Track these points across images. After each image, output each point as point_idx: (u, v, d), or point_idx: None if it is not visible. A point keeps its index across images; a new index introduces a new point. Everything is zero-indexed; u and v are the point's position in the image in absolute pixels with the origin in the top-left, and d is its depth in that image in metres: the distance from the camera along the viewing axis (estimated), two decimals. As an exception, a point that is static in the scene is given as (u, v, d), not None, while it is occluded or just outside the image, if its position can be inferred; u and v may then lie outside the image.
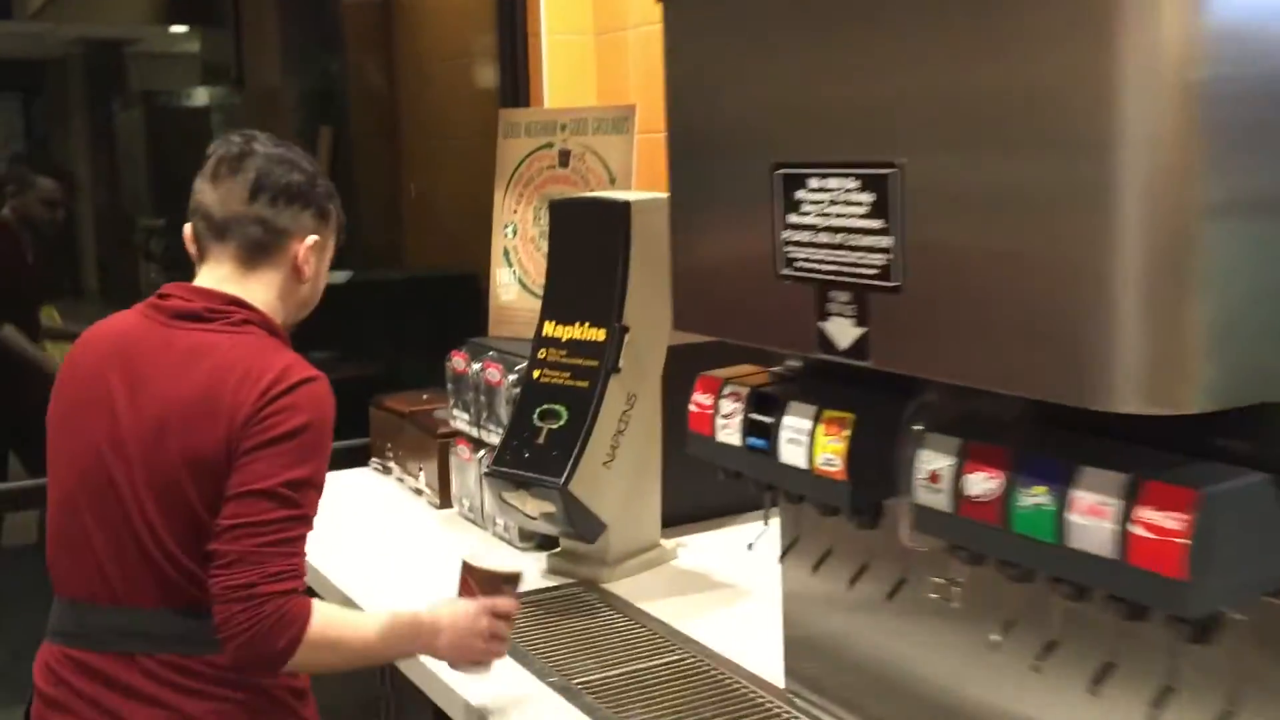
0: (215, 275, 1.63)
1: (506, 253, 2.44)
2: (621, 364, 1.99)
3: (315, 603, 1.49)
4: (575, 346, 2.03)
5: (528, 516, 2.02)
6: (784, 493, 1.44)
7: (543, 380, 2.05)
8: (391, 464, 2.75)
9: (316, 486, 1.52)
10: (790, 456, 1.32)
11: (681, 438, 2.10)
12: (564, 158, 2.35)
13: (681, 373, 2.12)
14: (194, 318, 1.58)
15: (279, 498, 1.48)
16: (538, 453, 2.00)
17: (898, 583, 1.35)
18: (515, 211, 2.42)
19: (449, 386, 2.40)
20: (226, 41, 4.56)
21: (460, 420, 2.37)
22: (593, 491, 1.98)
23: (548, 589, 2.05)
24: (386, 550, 2.30)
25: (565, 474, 1.94)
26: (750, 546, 1.64)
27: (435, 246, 4.00)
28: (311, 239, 1.65)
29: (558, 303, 2.08)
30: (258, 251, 1.61)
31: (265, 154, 1.63)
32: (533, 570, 2.14)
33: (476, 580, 1.63)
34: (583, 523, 1.98)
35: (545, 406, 2.03)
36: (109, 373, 1.58)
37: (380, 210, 4.19)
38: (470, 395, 2.34)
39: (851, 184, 1.15)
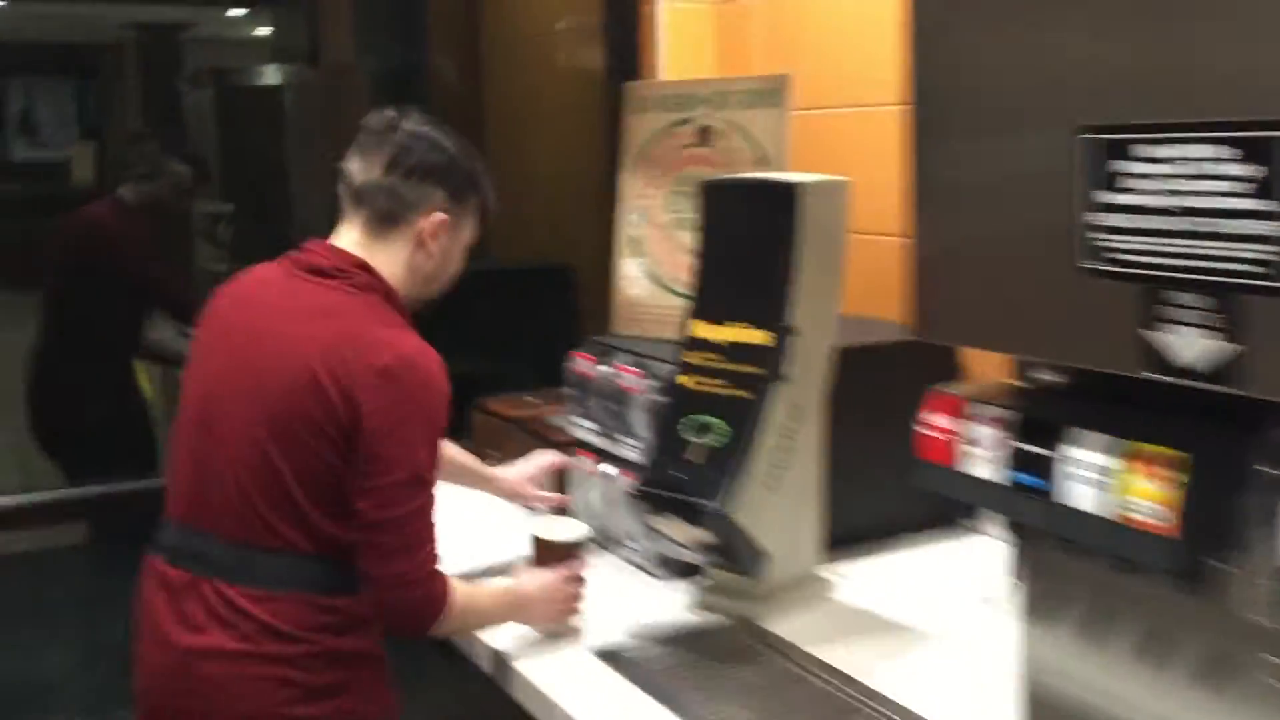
0: (348, 238, 1.70)
1: (634, 242, 2.18)
2: (789, 372, 1.73)
3: (451, 582, 1.62)
4: (733, 350, 1.77)
5: (678, 544, 1.77)
6: (1018, 531, 1.18)
7: (694, 388, 1.80)
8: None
9: (434, 463, 1.61)
10: (1079, 499, 1.06)
11: (848, 456, 1.84)
12: (704, 135, 2.08)
13: (849, 381, 1.89)
14: (320, 273, 1.66)
15: (417, 483, 1.59)
16: (691, 472, 1.74)
17: (1213, 659, 1.08)
18: (644, 196, 2.16)
19: (569, 390, 2.14)
20: (298, 18, 4.35)
21: (583, 428, 2.12)
22: (755, 517, 1.72)
23: (697, 628, 1.80)
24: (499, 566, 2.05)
25: (726, 497, 1.69)
26: (984, 600, 1.37)
27: (523, 237, 3.75)
28: (439, 216, 1.69)
29: (710, 300, 1.82)
30: (386, 221, 1.68)
31: (409, 130, 1.69)
32: (672, 603, 1.89)
33: (549, 552, 1.77)
34: (744, 553, 1.72)
35: (699, 418, 1.77)
36: (236, 316, 1.70)
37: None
38: (596, 401, 2.09)
39: (1215, 152, 0.88)
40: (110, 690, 2.35)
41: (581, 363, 2.11)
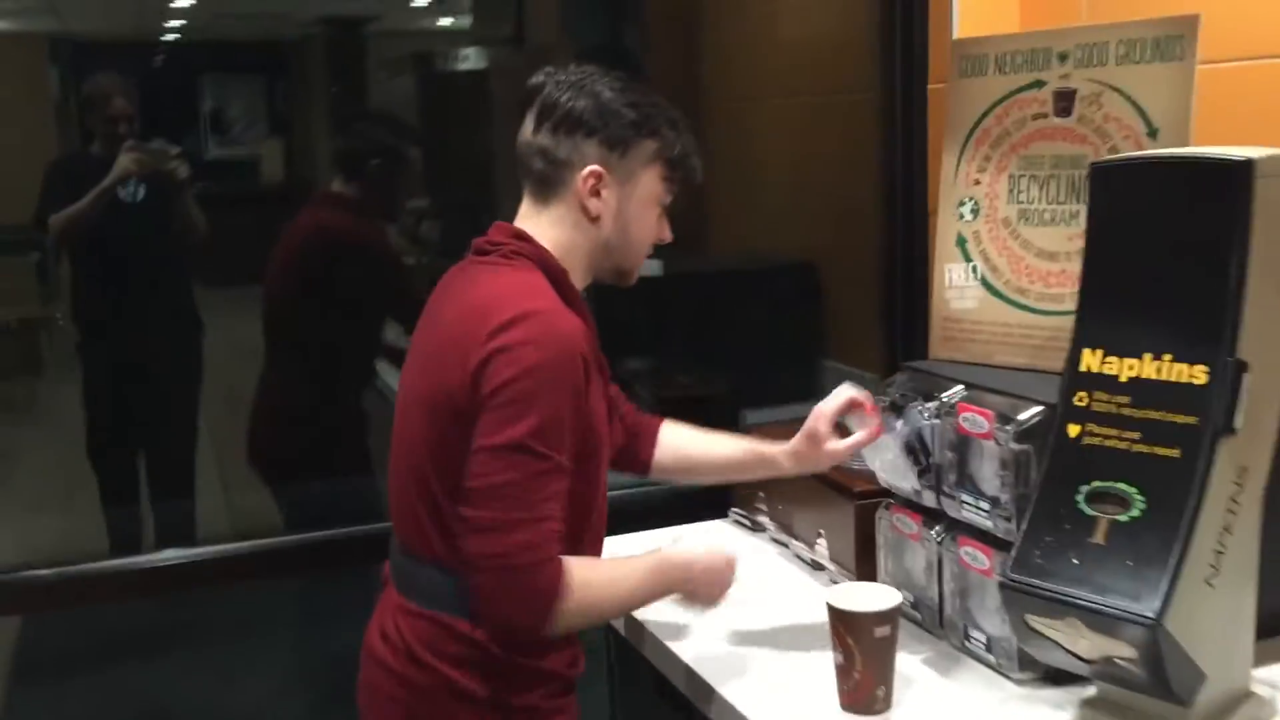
0: (521, 210, 1.56)
1: (962, 241, 1.71)
2: (1238, 421, 1.25)
3: (568, 567, 1.41)
4: (1149, 391, 1.29)
5: (1069, 655, 1.31)
6: None
7: (1089, 443, 1.33)
8: (765, 519, 2.09)
9: (555, 432, 1.39)
10: None
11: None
12: (1064, 100, 1.60)
13: None
14: (481, 252, 1.54)
15: (519, 450, 1.38)
16: (1095, 559, 1.28)
17: None
18: (978, 182, 1.69)
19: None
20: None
21: (900, 479, 1.67)
22: (1191, 625, 1.25)
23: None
24: (775, 645, 1.64)
25: (1161, 602, 1.22)
26: None
27: (756, 230, 3.33)
28: (592, 168, 1.49)
29: (1107, 322, 1.34)
30: (543, 185, 1.52)
31: (558, 80, 1.51)
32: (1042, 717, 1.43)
33: (846, 625, 1.44)
34: (1178, 674, 1.25)
35: (1101, 485, 1.30)
36: (422, 319, 1.59)
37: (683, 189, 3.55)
38: (919, 446, 1.64)
39: None
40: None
41: (897, 396, 1.66)
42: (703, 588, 1.56)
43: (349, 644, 1.64)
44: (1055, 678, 1.50)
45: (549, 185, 1.52)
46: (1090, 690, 1.43)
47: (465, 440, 1.41)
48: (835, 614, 1.45)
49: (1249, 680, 1.39)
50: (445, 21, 4.61)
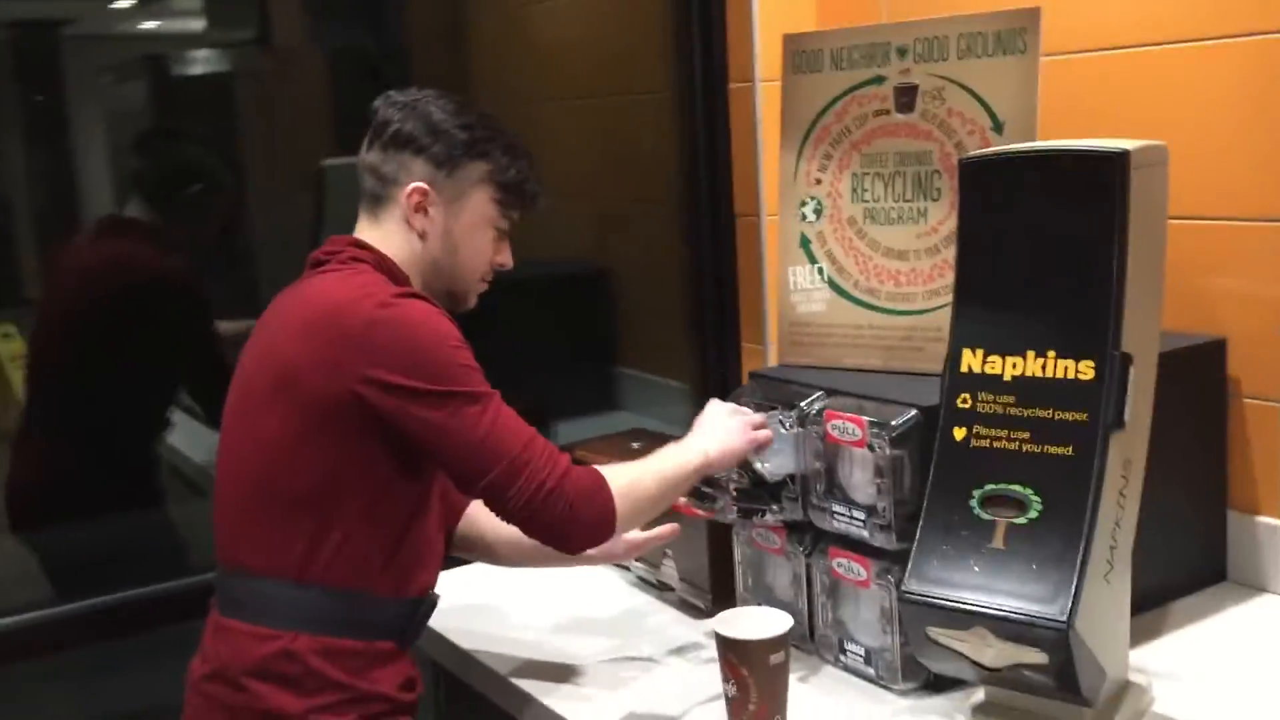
0: (357, 227, 1.54)
1: (806, 242, 1.66)
2: (1128, 415, 1.24)
3: (597, 468, 1.44)
4: (1035, 389, 1.27)
5: (978, 666, 1.27)
6: None
7: (977, 445, 1.30)
8: (598, 543, 1.98)
9: (472, 372, 1.40)
10: None
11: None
12: (906, 97, 1.57)
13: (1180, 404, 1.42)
14: (316, 263, 1.51)
15: (471, 400, 1.38)
16: (997, 565, 1.24)
17: None
18: (819, 181, 1.64)
19: (735, 443, 1.63)
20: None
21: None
22: (1093, 624, 1.23)
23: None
24: (633, 680, 1.54)
25: (1071, 604, 1.19)
26: None
27: (543, 236, 3.20)
28: (415, 186, 1.49)
29: (985, 320, 1.31)
30: (374, 202, 1.53)
31: (392, 101, 1.53)
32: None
33: (739, 655, 1.36)
34: (1086, 675, 1.23)
35: (995, 488, 1.27)
36: (253, 335, 1.53)
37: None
38: (781, 457, 1.58)
39: None
40: None
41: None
42: (734, 438, 1.52)
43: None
44: (937, 685, 1.47)
45: (378, 202, 1.52)
46: (978, 694, 1.40)
47: (354, 442, 1.39)
48: (726, 644, 1.36)
49: (1127, 670, 1.40)
50: (151, 24, 4.23)
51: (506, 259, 1.57)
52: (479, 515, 1.65)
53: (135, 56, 3.68)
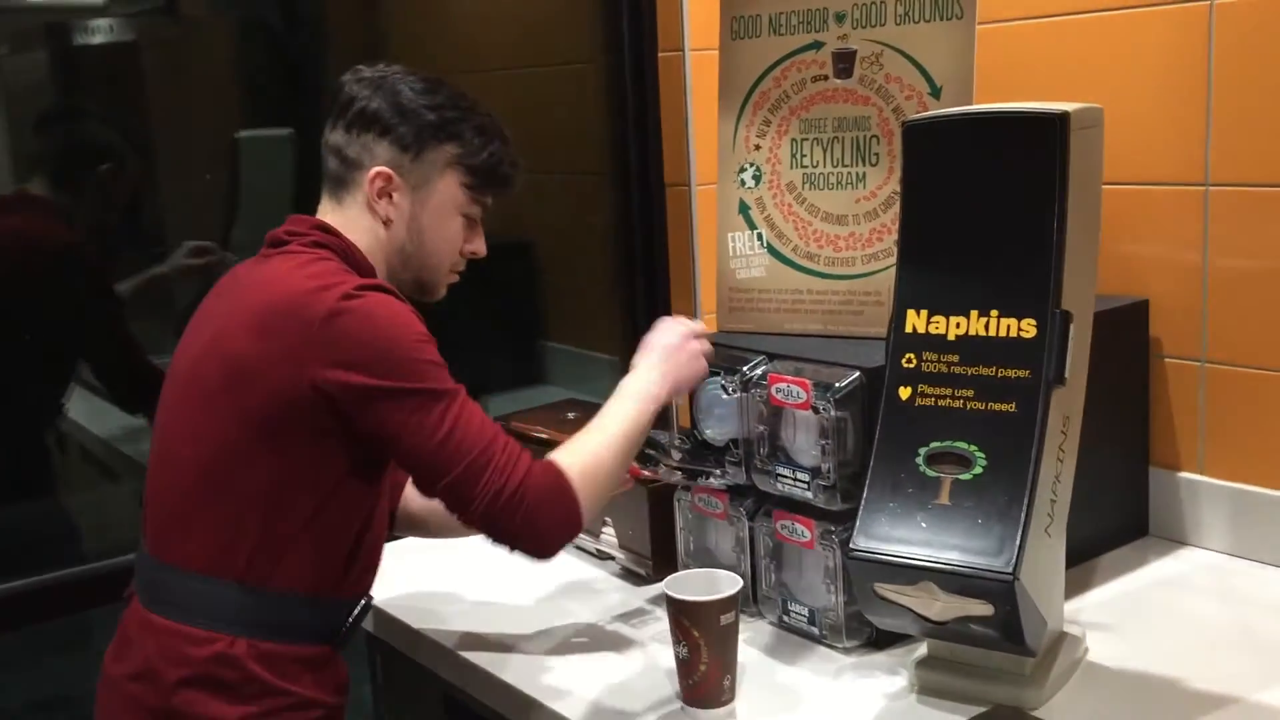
0: (320, 208, 1.48)
1: (745, 208, 1.66)
2: (1069, 371, 1.27)
3: (550, 455, 1.37)
4: (979, 348, 1.30)
5: (925, 620, 1.30)
6: None
7: (922, 404, 1.32)
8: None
9: (437, 368, 1.33)
10: None
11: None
12: (844, 62, 1.58)
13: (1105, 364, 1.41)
14: (276, 243, 1.44)
15: (435, 398, 1.31)
16: (943, 520, 1.26)
17: None
18: (757, 148, 1.65)
19: (678, 406, 1.63)
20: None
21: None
22: (1036, 575, 1.26)
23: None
24: (587, 648, 1.54)
25: (1015, 556, 1.22)
26: None
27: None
28: (375, 169, 1.42)
29: (929, 281, 1.33)
30: (337, 185, 1.46)
31: (358, 78, 1.45)
32: (873, 687, 1.42)
33: (690, 616, 1.36)
34: (1029, 625, 1.26)
35: (940, 445, 1.29)
36: (199, 311, 1.46)
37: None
38: (725, 421, 1.59)
39: None
40: None
41: (697, 372, 1.59)
42: (685, 376, 1.51)
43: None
44: (879, 642, 1.50)
45: (341, 185, 1.45)
46: (920, 649, 1.43)
47: (310, 440, 1.32)
48: (677, 605, 1.36)
49: (1063, 621, 1.44)
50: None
51: (479, 247, 1.50)
52: (407, 490, 1.62)
53: (34, 26, 3.55)
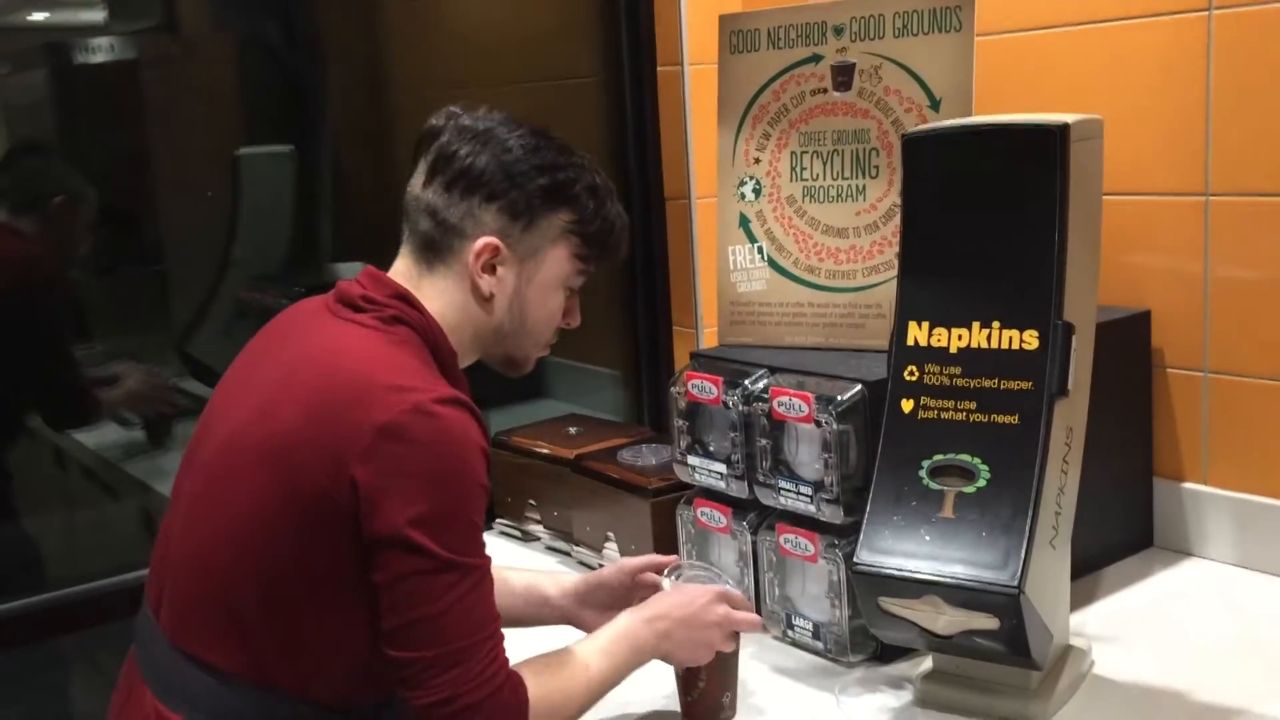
0: (398, 266, 1.31)
1: (745, 221, 1.66)
2: (1071, 383, 1.27)
3: (526, 675, 1.20)
4: (981, 360, 1.29)
5: (930, 634, 1.29)
6: None
7: (924, 416, 1.31)
8: (537, 528, 1.96)
9: (472, 534, 1.17)
10: None
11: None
12: (843, 75, 1.59)
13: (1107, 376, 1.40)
14: (351, 305, 1.27)
15: (448, 570, 1.14)
16: (947, 534, 1.26)
17: None
18: (757, 161, 1.65)
19: (678, 423, 1.63)
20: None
21: (705, 472, 1.60)
22: (1041, 588, 1.26)
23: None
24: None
25: (1021, 569, 1.22)
26: None
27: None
28: (485, 241, 1.26)
29: (930, 293, 1.33)
30: (429, 250, 1.28)
31: (459, 126, 1.29)
32: (876, 702, 1.41)
33: None
34: (1035, 638, 1.25)
35: (943, 458, 1.29)
36: (246, 358, 1.32)
37: (376, 195, 3.28)
38: (722, 435, 1.58)
39: None
40: None
41: (700, 385, 1.59)
42: (683, 643, 1.33)
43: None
44: (884, 656, 1.49)
45: (435, 252, 1.28)
46: (926, 663, 1.42)
47: (341, 547, 1.15)
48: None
49: (1069, 634, 1.44)
50: (39, 16, 4.07)
51: (575, 319, 1.37)
52: None
53: (32, 46, 3.56)
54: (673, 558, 1.47)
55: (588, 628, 1.41)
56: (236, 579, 1.19)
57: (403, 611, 1.14)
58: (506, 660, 1.19)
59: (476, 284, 1.27)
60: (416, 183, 1.29)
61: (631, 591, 1.44)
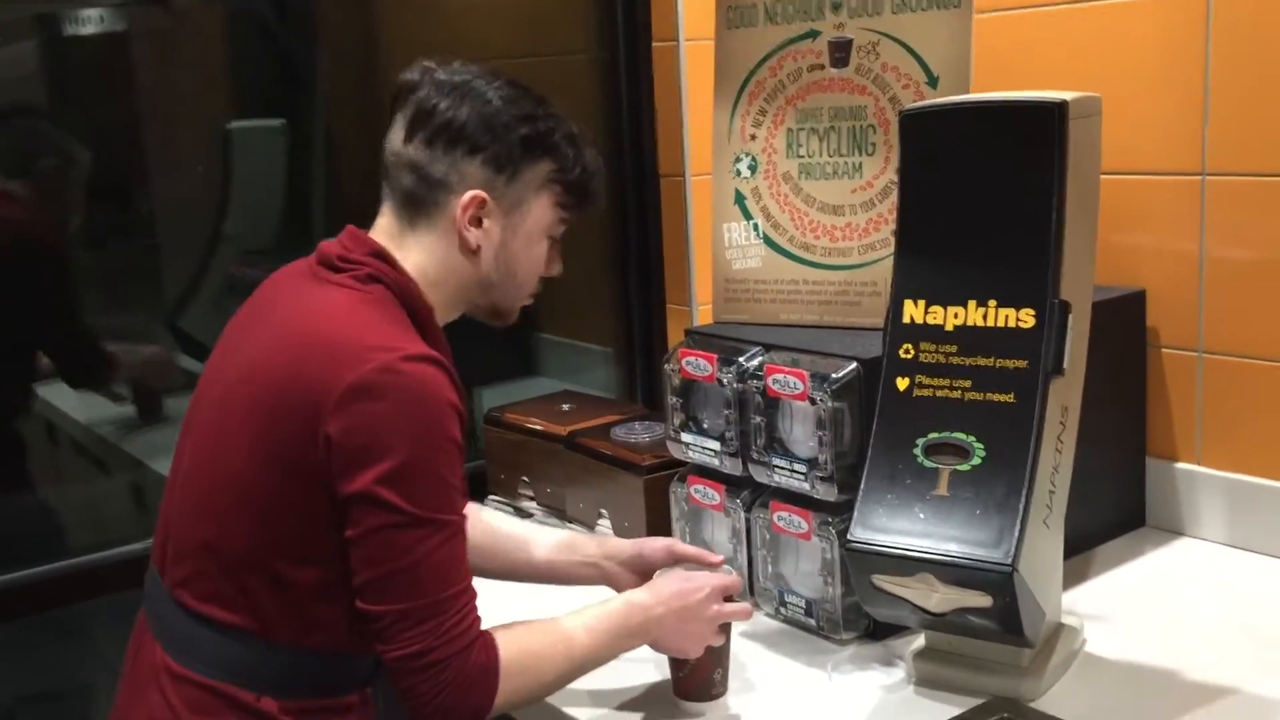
0: (380, 223, 1.33)
1: (740, 199, 1.65)
2: (1067, 361, 1.27)
3: (501, 639, 1.22)
4: (977, 338, 1.29)
5: (923, 611, 1.29)
6: None
7: (920, 394, 1.31)
8: (530, 504, 1.96)
9: (445, 491, 1.18)
10: None
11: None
12: (840, 51, 1.57)
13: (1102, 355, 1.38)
14: (329, 266, 1.29)
15: (419, 524, 1.16)
16: (941, 512, 1.26)
17: None
18: (753, 137, 1.64)
19: (672, 400, 1.62)
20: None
21: (699, 450, 1.60)
22: (1034, 566, 1.26)
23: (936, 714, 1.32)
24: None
25: (1014, 547, 1.21)
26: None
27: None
28: (472, 194, 1.27)
29: (926, 271, 1.32)
30: (412, 205, 1.30)
31: (437, 81, 1.29)
32: (869, 679, 1.41)
33: None
34: (1028, 616, 1.26)
35: (938, 436, 1.29)
36: (235, 324, 1.35)
37: (368, 170, 3.26)
38: (715, 412, 1.58)
39: None
40: None
41: (695, 363, 1.58)
42: (674, 633, 1.33)
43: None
44: (876, 633, 1.49)
45: (419, 207, 1.29)
46: (918, 641, 1.42)
47: (320, 501, 1.18)
48: None
49: (1061, 613, 1.44)
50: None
51: (557, 267, 1.39)
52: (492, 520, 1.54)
53: (22, 17, 3.52)
54: (720, 557, 1.46)
55: (620, 588, 1.44)
56: (232, 532, 1.22)
57: (373, 565, 1.17)
58: (479, 619, 1.21)
59: (463, 237, 1.28)
60: (395, 138, 1.29)
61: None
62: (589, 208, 1.36)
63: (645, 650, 1.37)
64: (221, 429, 1.25)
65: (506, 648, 1.22)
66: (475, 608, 1.21)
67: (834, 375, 1.44)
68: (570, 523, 1.86)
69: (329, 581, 1.21)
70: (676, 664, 1.37)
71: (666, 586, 1.35)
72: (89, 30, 3.40)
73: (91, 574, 1.82)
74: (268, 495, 1.20)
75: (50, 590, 1.83)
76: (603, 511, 1.79)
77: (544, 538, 1.51)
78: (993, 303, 1.29)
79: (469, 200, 1.27)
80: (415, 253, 1.29)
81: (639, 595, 1.34)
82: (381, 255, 1.27)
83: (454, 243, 1.28)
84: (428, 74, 1.30)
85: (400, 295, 1.26)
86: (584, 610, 1.32)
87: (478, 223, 1.28)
